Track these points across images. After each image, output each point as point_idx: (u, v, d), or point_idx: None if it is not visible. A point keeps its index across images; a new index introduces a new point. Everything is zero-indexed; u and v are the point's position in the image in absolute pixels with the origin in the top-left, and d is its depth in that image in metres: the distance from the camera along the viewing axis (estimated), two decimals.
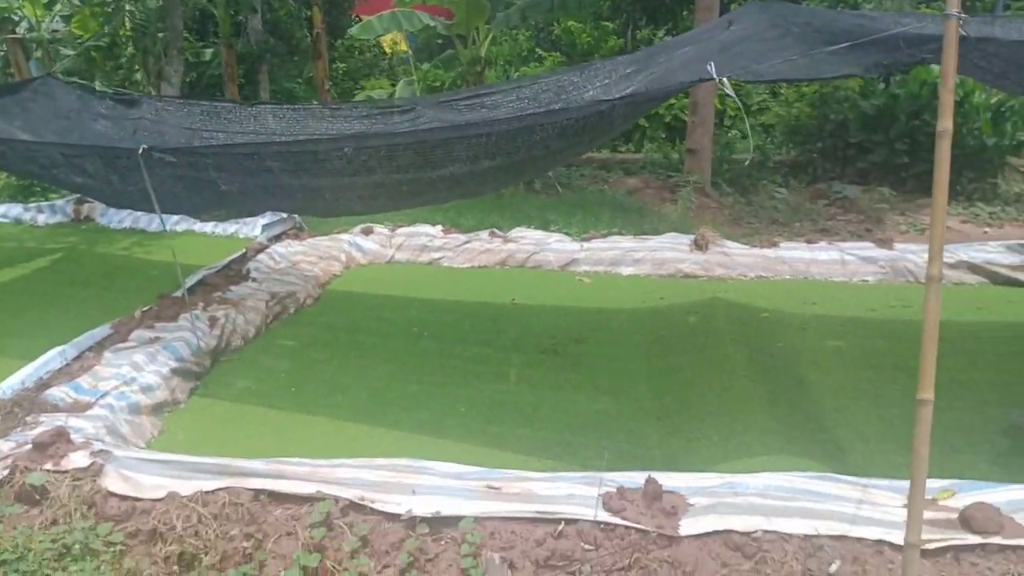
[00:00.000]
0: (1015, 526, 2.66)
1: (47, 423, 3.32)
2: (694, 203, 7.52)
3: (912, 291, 5.60)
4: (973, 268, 5.82)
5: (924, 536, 2.59)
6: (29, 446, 3.08)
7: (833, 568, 2.56)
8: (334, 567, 2.61)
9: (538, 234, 6.62)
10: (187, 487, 2.94)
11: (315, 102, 10.64)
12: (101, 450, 3.10)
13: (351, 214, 5.70)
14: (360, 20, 10.46)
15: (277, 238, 6.80)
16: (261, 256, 6.06)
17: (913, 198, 8.84)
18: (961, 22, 2.25)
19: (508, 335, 4.98)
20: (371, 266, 6.45)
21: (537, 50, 15.04)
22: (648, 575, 2.57)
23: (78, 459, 3.03)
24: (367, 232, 6.71)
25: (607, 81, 4.66)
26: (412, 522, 2.76)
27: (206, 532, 2.76)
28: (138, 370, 4.00)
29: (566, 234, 6.63)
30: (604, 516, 2.75)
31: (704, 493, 2.88)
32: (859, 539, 2.63)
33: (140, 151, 3.69)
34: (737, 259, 6.10)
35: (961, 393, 4.04)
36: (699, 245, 6.24)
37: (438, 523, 2.77)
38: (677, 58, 4.49)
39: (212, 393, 4.17)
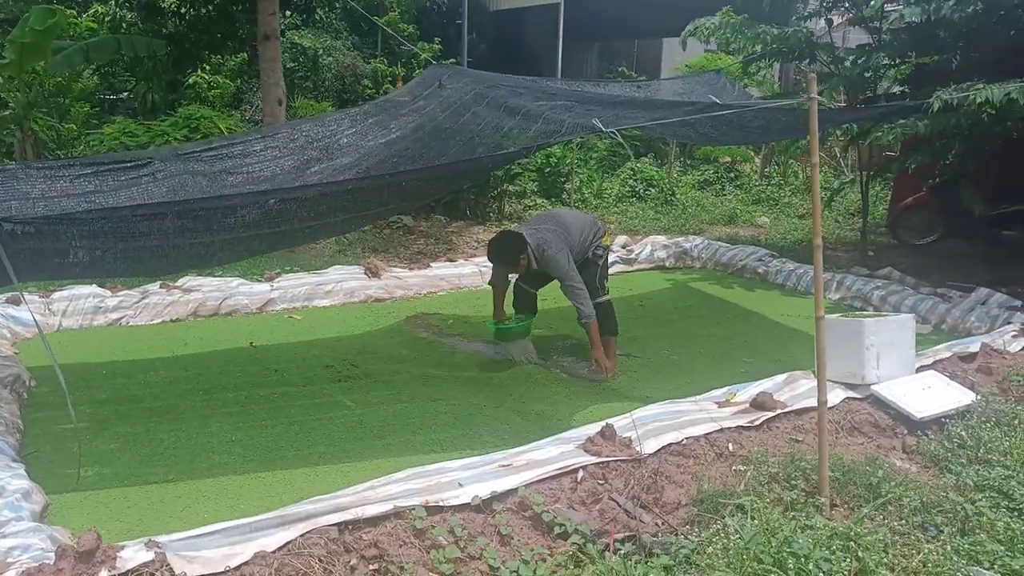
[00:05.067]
0: (780, 403, 4.41)
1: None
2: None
3: None
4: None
5: (741, 421, 4.19)
6: (64, 561, 2.62)
7: (730, 447, 3.97)
8: (476, 552, 3.03)
9: (213, 280, 6.58)
10: (254, 547, 2.92)
11: None
12: (149, 540, 2.80)
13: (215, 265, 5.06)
14: None
15: None
16: None
17: (450, 223, 10.83)
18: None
19: (291, 372, 5.18)
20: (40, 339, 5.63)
21: None
22: (648, 485, 3.61)
23: (133, 556, 2.72)
24: (15, 302, 5.78)
25: (353, 130, 5.31)
26: (482, 505, 3.29)
27: (335, 571, 2.86)
28: None
29: (241, 277, 6.73)
30: (590, 459, 3.68)
31: (626, 429, 4.00)
32: (725, 428, 4.09)
33: None
34: (408, 281, 7.11)
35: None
36: (373, 272, 7.04)
37: (499, 500, 3.34)
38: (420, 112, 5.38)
39: (64, 487, 3.61)
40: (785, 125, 5.02)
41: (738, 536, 2.91)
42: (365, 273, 7.06)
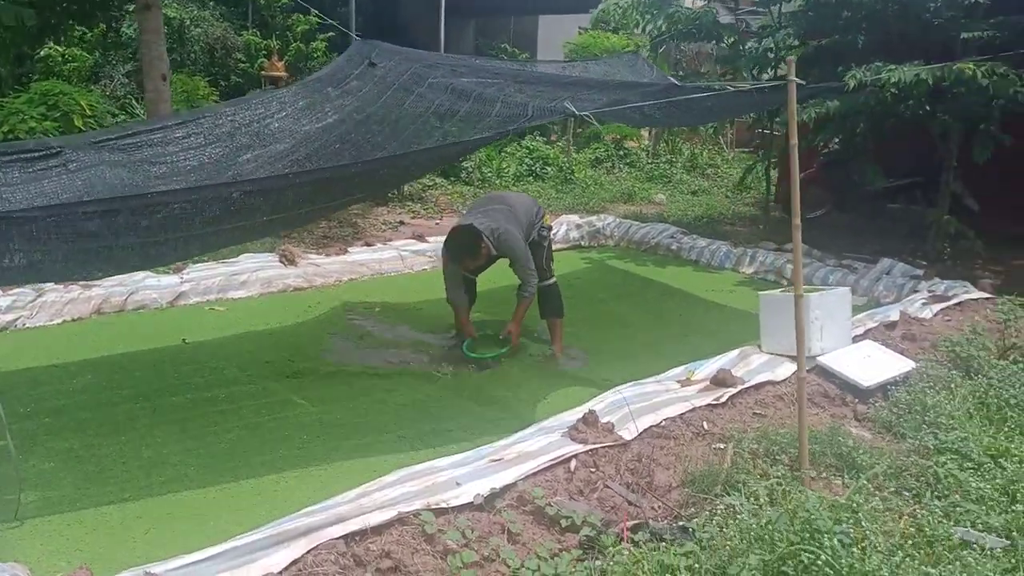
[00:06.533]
0: (738, 379, 4.51)
1: None
2: None
3: None
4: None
5: (709, 399, 4.26)
6: None
7: (705, 425, 4.02)
8: (491, 554, 2.91)
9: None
10: (258, 569, 2.68)
11: None
12: (145, 572, 2.50)
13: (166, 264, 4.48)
14: None
15: None
16: None
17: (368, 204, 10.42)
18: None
19: (230, 370, 4.84)
20: None
21: None
22: (638, 469, 3.59)
23: None
24: None
25: (283, 114, 4.99)
26: (486, 503, 3.17)
27: None
28: None
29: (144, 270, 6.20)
30: (580, 448, 3.62)
31: (605, 413, 3.96)
32: (697, 407, 4.13)
33: None
34: (327, 268, 6.80)
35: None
36: (289, 260, 6.68)
37: (499, 495, 3.23)
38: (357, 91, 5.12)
39: (4, 516, 3.20)
40: (727, 106, 5.11)
41: (753, 516, 2.93)
42: (280, 261, 6.68)
